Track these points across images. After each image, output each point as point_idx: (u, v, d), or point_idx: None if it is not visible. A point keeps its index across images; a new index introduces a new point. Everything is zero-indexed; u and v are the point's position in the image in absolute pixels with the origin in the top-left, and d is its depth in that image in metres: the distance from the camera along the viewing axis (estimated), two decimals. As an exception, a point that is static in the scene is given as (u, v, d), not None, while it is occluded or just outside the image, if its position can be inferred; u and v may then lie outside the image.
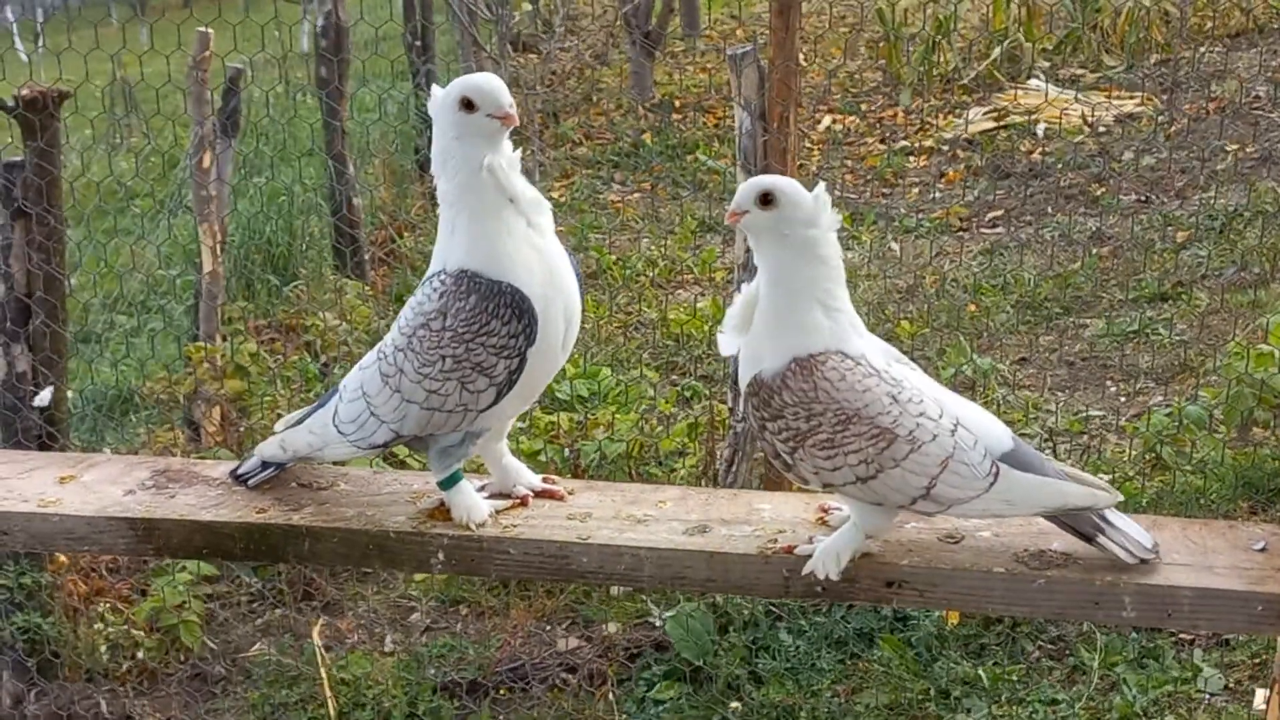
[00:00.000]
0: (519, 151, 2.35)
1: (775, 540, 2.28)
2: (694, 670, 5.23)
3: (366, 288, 8.25)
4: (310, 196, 8.74)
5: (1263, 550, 2.15)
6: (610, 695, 5.20)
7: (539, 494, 2.46)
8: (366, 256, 8.60)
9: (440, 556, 2.33)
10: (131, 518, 2.41)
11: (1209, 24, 12.06)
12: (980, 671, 5.08)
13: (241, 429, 6.47)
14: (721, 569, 2.25)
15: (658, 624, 5.50)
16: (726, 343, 2.28)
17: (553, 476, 2.50)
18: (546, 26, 13.40)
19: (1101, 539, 2.17)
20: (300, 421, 2.50)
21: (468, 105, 2.29)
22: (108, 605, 5.59)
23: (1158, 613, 2.09)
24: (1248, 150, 9.74)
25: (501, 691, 5.34)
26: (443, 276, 2.32)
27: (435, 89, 2.36)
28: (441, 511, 2.42)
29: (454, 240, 2.32)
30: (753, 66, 5.35)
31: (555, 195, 9.87)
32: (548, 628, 5.68)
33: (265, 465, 2.53)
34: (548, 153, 10.73)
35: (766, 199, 2.20)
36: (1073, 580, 2.13)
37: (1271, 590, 2.05)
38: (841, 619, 5.33)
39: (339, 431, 2.41)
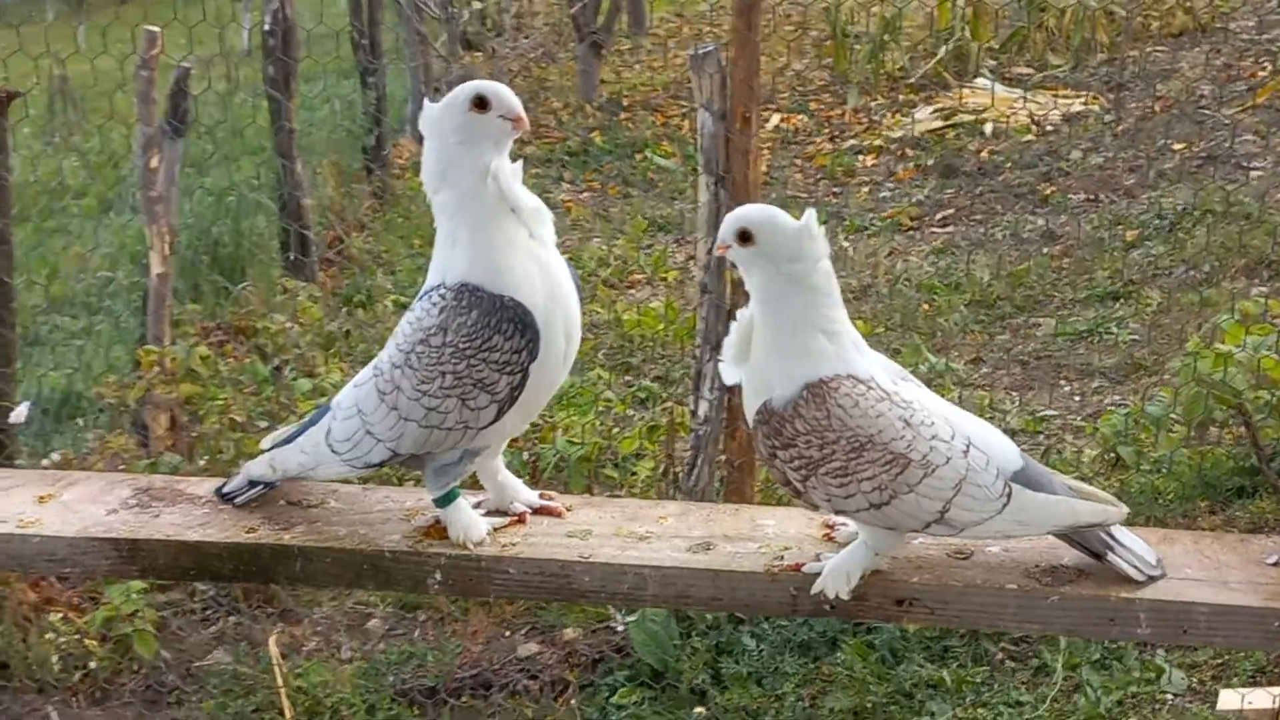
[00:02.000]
0: (519, 162, 2.30)
1: (781, 557, 2.24)
2: (656, 675, 5.19)
3: (316, 288, 8.16)
4: (258, 197, 8.63)
5: (1277, 565, 2.14)
6: (572, 701, 5.15)
7: (537, 511, 2.42)
8: (314, 257, 8.50)
9: (438, 576, 2.28)
10: (115, 538, 2.34)
11: (1154, 24, 12.15)
12: (944, 674, 5.07)
13: (193, 434, 6.37)
14: (727, 587, 2.21)
15: (619, 628, 5.46)
16: (728, 373, 2.24)
17: (550, 493, 2.45)
18: (495, 25, 13.32)
19: (1110, 556, 2.15)
20: (289, 439, 2.44)
21: (481, 104, 2.25)
22: (59, 615, 5.48)
23: (1173, 629, 2.07)
24: (1194, 149, 9.81)
25: (462, 699, 5.27)
26: (442, 291, 2.26)
27: (428, 103, 2.31)
28: (437, 530, 2.36)
29: (454, 252, 2.27)
30: (714, 67, 5.30)
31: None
32: (507, 633, 5.63)
33: (253, 484, 2.46)
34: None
35: (744, 236, 2.16)
36: (1087, 597, 2.10)
37: (1288, 606, 2.04)
38: (805, 622, 5.30)
39: (333, 450, 2.35)
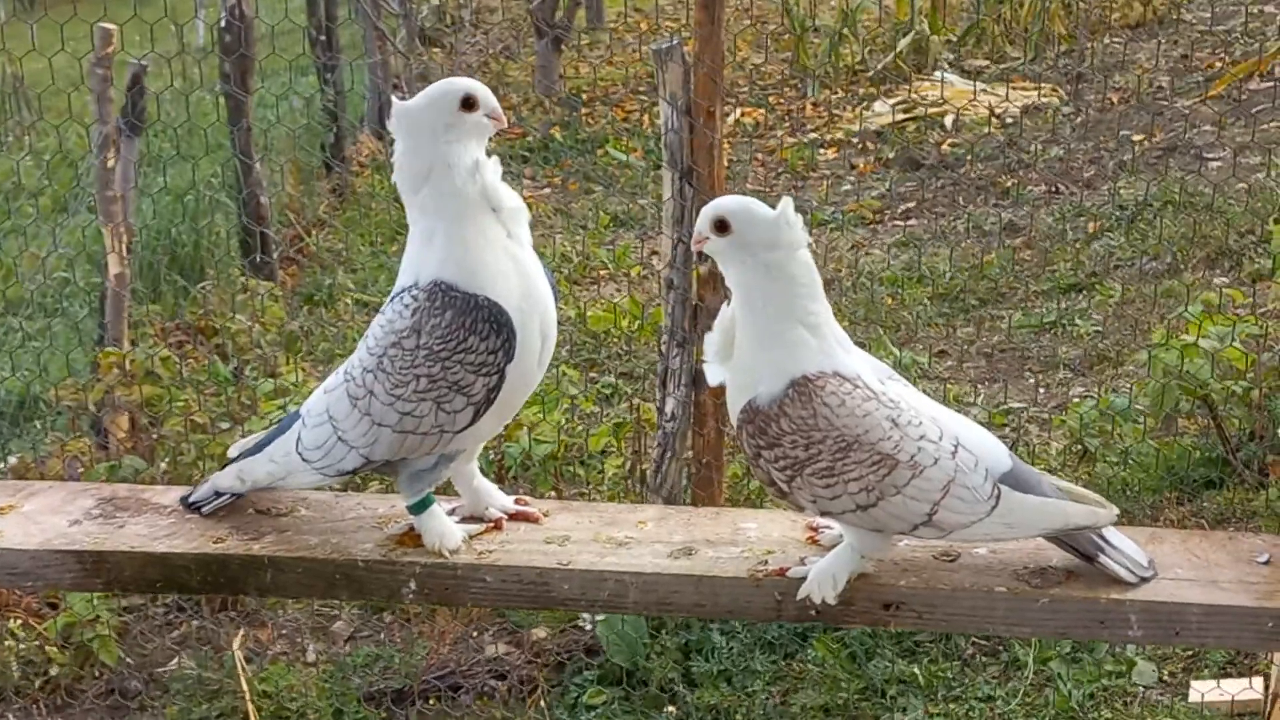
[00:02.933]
0: (494, 158, 2.26)
1: (765, 562, 2.20)
2: (626, 674, 5.15)
3: (276, 287, 8.08)
4: (216, 195, 8.54)
5: (1267, 563, 2.11)
6: (541, 702, 5.11)
7: (513, 516, 2.37)
8: (274, 256, 8.42)
9: (412, 585, 2.24)
10: (79, 550, 2.28)
11: (1111, 15, 12.19)
12: (915, 670, 5.06)
13: (154, 436, 6.30)
14: (710, 593, 2.17)
15: (588, 628, 5.42)
16: (712, 373, 2.21)
17: (525, 498, 2.40)
18: (453, 21, 13.25)
19: (1102, 559, 2.12)
20: (256, 448, 2.38)
21: (469, 104, 2.23)
22: (17, 621, 5.40)
23: (1165, 631, 2.04)
24: (1153, 140, 9.84)
25: (430, 701, 5.23)
26: (415, 291, 2.22)
27: (401, 102, 2.27)
28: (412, 537, 2.31)
29: (429, 250, 2.23)
30: (678, 61, 5.26)
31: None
32: (475, 634, 5.59)
33: (219, 493, 2.41)
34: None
35: (722, 226, 2.13)
36: (1077, 599, 2.07)
37: (1280, 606, 2.01)
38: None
39: (303, 459, 2.30)
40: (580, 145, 11.00)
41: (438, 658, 5.40)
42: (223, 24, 8.05)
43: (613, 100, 12.11)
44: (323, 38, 9.75)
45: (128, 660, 5.43)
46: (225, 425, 6.16)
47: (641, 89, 12.14)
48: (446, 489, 2.42)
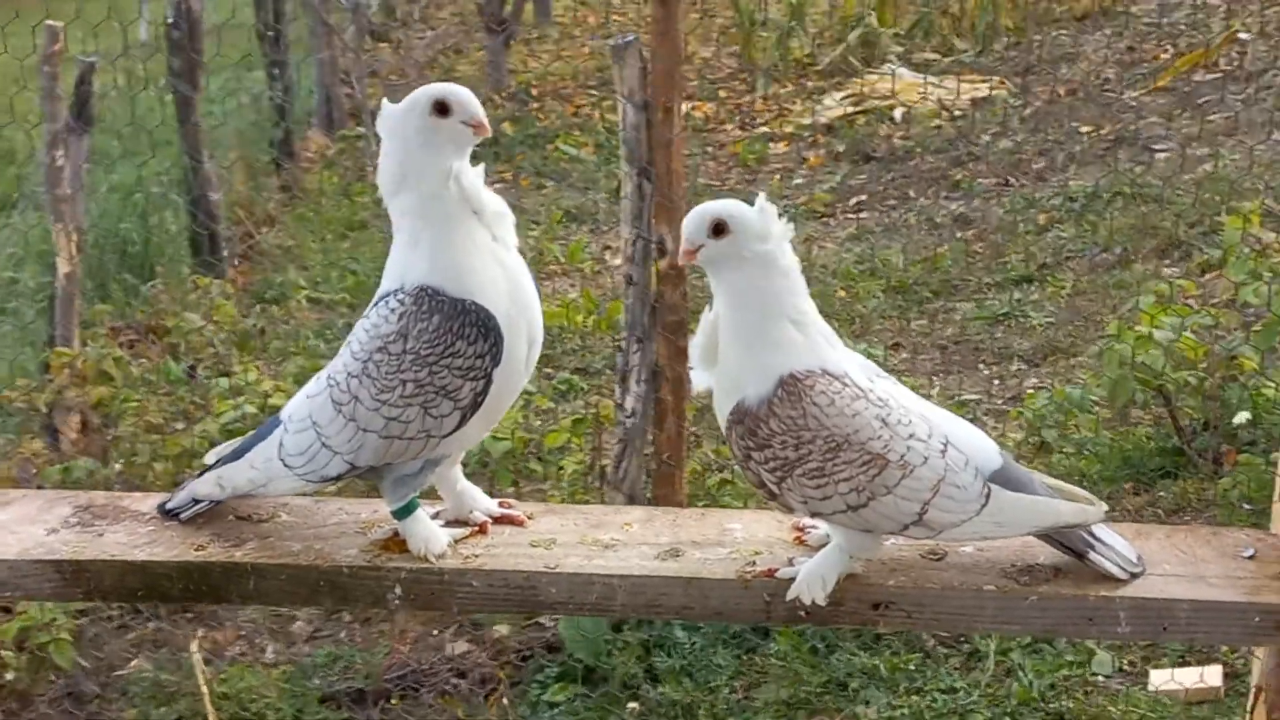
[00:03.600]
0: (481, 165, 2.24)
1: (753, 563, 2.19)
2: (588, 671, 5.14)
3: (228, 285, 8.01)
4: (165, 193, 8.46)
5: (1252, 558, 2.13)
6: (504, 700, 5.09)
7: (498, 520, 2.35)
8: (225, 253, 8.36)
9: (398, 591, 2.21)
10: (58, 559, 2.24)
11: (1058, 7, 12.27)
12: (878, 662, 5.07)
13: (108, 437, 6.23)
14: (699, 595, 2.16)
15: (549, 624, 5.41)
16: (697, 378, 2.20)
17: (510, 500, 2.38)
18: (402, 17, 13.19)
19: (1092, 555, 2.13)
20: (235, 454, 2.35)
21: (442, 110, 2.20)
22: (-30, 625, 5.34)
23: (1153, 627, 2.05)
24: (1101, 132, 9.91)
25: (391, 700, 5.20)
26: (400, 296, 2.19)
27: (388, 104, 2.25)
28: (396, 543, 2.29)
29: (414, 255, 2.20)
30: (635, 57, 5.25)
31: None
32: (435, 632, 5.56)
33: (198, 500, 2.38)
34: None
35: (719, 228, 2.12)
36: (1066, 596, 2.08)
37: (1268, 600, 2.02)
38: (738, 613, 5.28)
39: (285, 465, 2.27)
40: (531, 140, 10.97)
41: (398, 656, 5.38)
42: (170, 21, 7.98)
43: (563, 95, 12.08)
44: (271, 34, 9.68)
45: (83, 664, 5.37)
46: (180, 425, 6.10)
47: (591, 83, 12.12)
48: (429, 493, 2.40)
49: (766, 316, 2.12)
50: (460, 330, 2.15)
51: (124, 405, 6.16)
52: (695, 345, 2.19)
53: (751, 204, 2.16)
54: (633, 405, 5.43)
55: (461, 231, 2.20)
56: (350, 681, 5.26)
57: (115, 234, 7.94)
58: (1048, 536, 2.16)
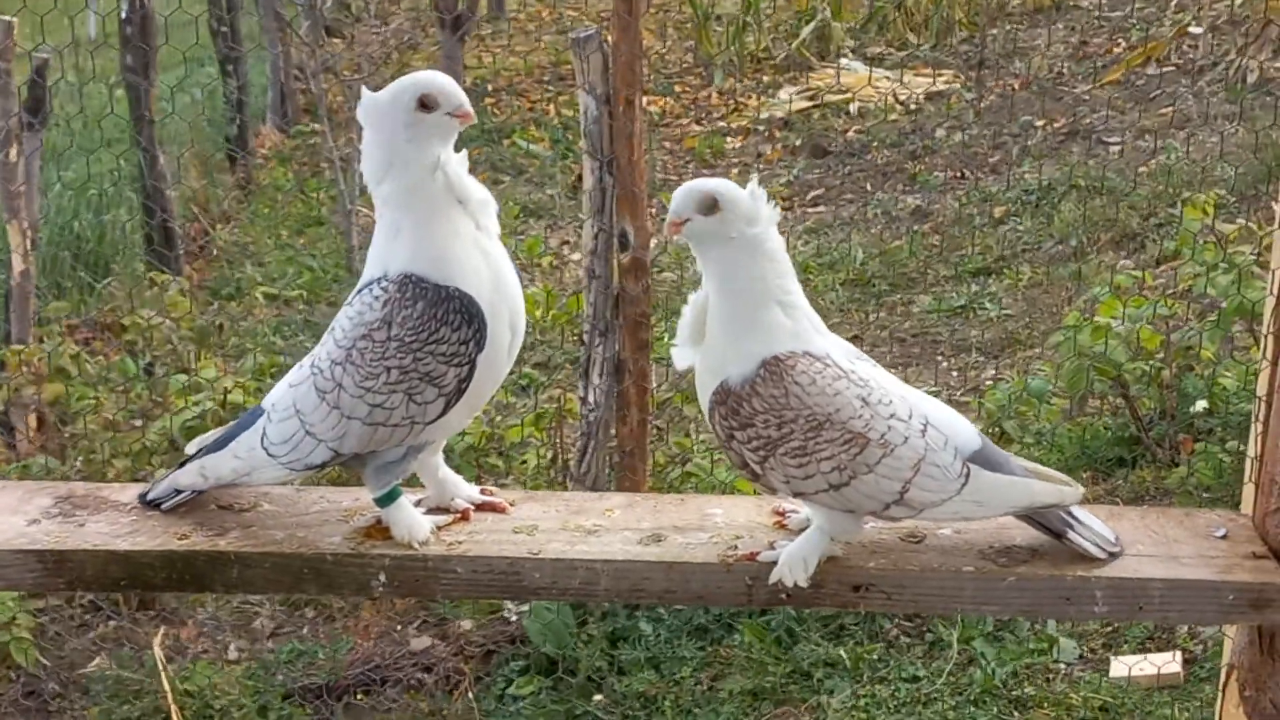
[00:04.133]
0: (464, 152, 2.25)
1: (735, 547, 2.21)
2: (553, 664, 5.16)
3: (184, 281, 7.97)
4: (119, 189, 8.40)
5: (1224, 538, 2.16)
6: (469, 694, 5.10)
7: (480, 507, 2.36)
8: (180, 250, 8.31)
9: (382, 578, 2.22)
10: (40, 549, 2.23)
11: (1011, 2, 12.35)
12: (841, 652, 5.11)
13: (65, 434, 6.19)
14: (681, 579, 2.18)
15: (513, 618, 5.41)
16: (681, 356, 2.21)
17: (491, 488, 2.39)
18: (356, 11, 13.13)
19: (1071, 535, 2.16)
20: (217, 444, 2.35)
21: (427, 104, 2.20)
22: (-71, 626, 5.29)
23: (1129, 606, 2.08)
24: (1055, 125, 9.99)
25: (356, 696, 5.20)
26: (384, 283, 2.20)
27: (368, 93, 2.25)
28: (379, 530, 2.30)
29: (397, 243, 2.21)
30: (597, 51, 5.26)
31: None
32: (399, 627, 5.56)
33: (179, 490, 2.37)
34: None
35: (710, 205, 2.14)
36: (1043, 577, 2.11)
37: (1241, 579, 2.06)
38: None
39: (269, 454, 2.27)
40: (486, 135, 10.94)
41: (362, 652, 5.37)
42: (124, 15, 7.92)
43: (518, 90, 12.06)
44: (225, 29, 9.62)
45: (44, 662, 5.34)
46: (138, 423, 6.07)
47: (546, 78, 12.11)
48: (411, 480, 2.41)
49: (755, 298, 2.14)
50: (444, 316, 2.16)
51: (81, 403, 6.12)
52: (683, 323, 2.21)
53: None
54: (596, 398, 5.45)
55: (445, 219, 2.21)
56: (313, 677, 5.25)
57: (69, 230, 7.88)
58: (1028, 517, 2.19)
